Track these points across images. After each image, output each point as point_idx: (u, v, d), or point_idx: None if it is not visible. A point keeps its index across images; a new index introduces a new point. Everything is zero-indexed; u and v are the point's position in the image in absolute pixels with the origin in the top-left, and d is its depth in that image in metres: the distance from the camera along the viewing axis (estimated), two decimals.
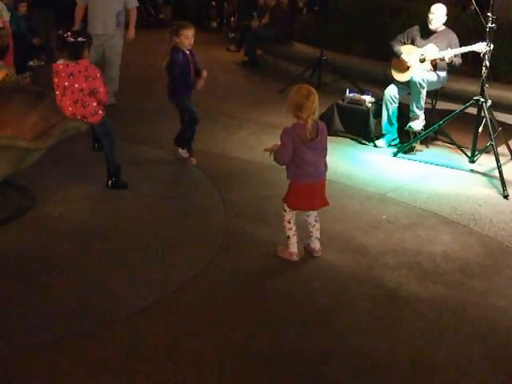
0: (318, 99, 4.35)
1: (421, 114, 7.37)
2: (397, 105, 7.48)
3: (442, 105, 8.08)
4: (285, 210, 4.64)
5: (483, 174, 6.76)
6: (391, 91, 7.46)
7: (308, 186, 4.55)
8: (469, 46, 6.84)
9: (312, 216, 4.70)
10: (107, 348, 3.51)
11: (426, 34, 7.36)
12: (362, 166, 6.83)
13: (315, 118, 4.40)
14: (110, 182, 5.69)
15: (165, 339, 3.64)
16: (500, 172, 6.30)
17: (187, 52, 6.27)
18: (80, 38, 5.40)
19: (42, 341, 3.55)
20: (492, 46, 6.55)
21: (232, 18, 17.81)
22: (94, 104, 5.42)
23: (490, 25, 6.47)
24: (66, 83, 5.31)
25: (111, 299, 4.01)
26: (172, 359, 3.46)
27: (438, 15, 7.22)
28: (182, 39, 6.16)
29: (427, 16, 7.29)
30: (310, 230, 4.73)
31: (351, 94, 7.96)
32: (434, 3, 7.30)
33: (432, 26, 7.27)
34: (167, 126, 7.73)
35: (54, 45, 9.01)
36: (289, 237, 4.66)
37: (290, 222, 4.65)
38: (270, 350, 3.59)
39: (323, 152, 4.55)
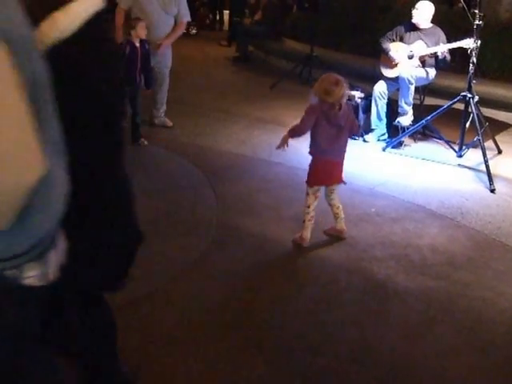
0: (345, 90, 4.60)
1: (409, 110, 7.45)
2: (386, 100, 7.55)
3: (429, 100, 8.15)
4: (307, 194, 4.80)
5: (470, 168, 6.83)
6: (380, 87, 7.53)
7: (326, 162, 4.75)
8: (457, 42, 6.92)
9: (335, 199, 4.88)
10: None
11: (414, 30, 7.43)
12: (351, 161, 6.81)
13: (341, 101, 4.59)
14: None
15: (157, 330, 3.68)
16: (487, 166, 6.37)
17: (137, 45, 6.71)
18: None
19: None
20: (479, 43, 6.63)
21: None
22: None
23: (477, 22, 6.54)
24: None
25: None
26: (165, 350, 3.51)
27: (421, 11, 7.29)
28: (138, 31, 6.67)
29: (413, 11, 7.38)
30: (336, 212, 4.92)
31: None
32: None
33: (414, 20, 7.34)
34: None
35: None
36: (304, 221, 4.80)
37: (309, 207, 4.80)
38: (262, 340, 3.64)
39: (345, 130, 4.70)
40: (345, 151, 4.83)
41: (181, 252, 4.65)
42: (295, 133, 4.72)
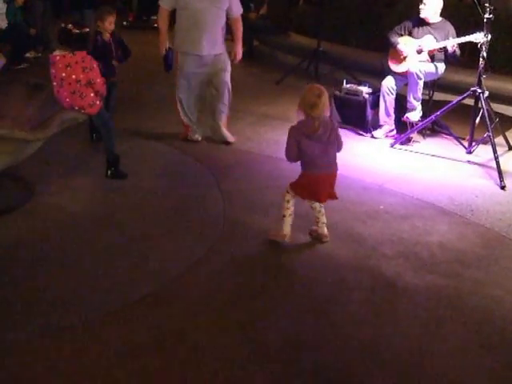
0: (327, 98, 4.54)
1: (418, 105, 7.38)
2: (394, 96, 7.48)
3: (439, 96, 8.08)
4: (287, 192, 4.73)
5: (480, 164, 6.76)
6: (388, 82, 7.46)
7: (314, 176, 4.65)
8: (466, 36, 6.84)
9: (317, 203, 4.78)
10: (104, 338, 3.54)
11: (423, 25, 7.35)
12: (360, 157, 6.84)
13: (323, 115, 4.51)
14: (109, 171, 5.70)
15: (163, 329, 3.66)
16: (497, 163, 6.31)
17: (108, 36, 6.53)
18: (85, 29, 5.41)
19: (36, 331, 3.58)
20: (489, 37, 6.55)
21: None
22: (92, 95, 5.42)
23: (487, 15, 6.46)
24: (63, 74, 5.30)
25: (109, 289, 4.04)
26: (171, 349, 3.48)
27: (429, 6, 7.22)
28: (106, 24, 6.44)
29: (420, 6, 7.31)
30: (316, 216, 4.82)
31: (348, 85, 7.96)
32: None
33: (422, 15, 7.27)
34: (164, 117, 7.77)
35: (51, 36, 9.01)
36: (284, 216, 4.73)
37: (288, 202, 4.73)
38: (268, 339, 3.61)
39: (329, 145, 4.60)
40: (336, 165, 4.72)
41: (187, 250, 4.62)
42: (288, 159, 4.68)
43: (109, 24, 6.40)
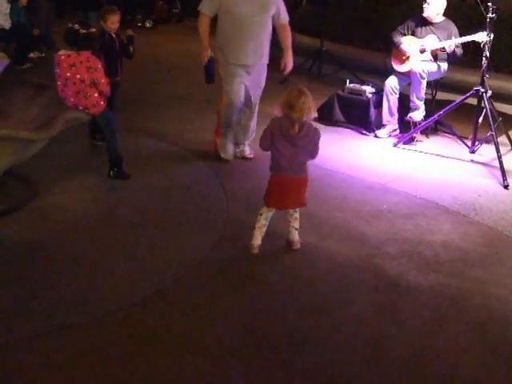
0: (311, 101, 4.37)
1: (421, 105, 7.37)
2: (397, 95, 7.48)
3: (442, 95, 8.08)
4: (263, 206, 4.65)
5: (483, 164, 6.77)
6: (392, 82, 7.46)
7: (280, 179, 4.55)
8: (469, 36, 6.85)
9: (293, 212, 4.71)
10: (109, 337, 3.55)
11: (426, 24, 7.35)
12: (363, 157, 6.84)
13: (304, 119, 4.40)
14: (111, 172, 5.71)
15: (168, 327, 3.67)
16: (500, 162, 6.31)
17: (114, 36, 6.41)
18: (92, 29, 5.43)
19: (41, 329, 3.59)
20: (492, 36, 6.55)
21: None
22: (96, 95, 5.42)
23: (490, 15, 6.46)
24: (68, 74, 5.32)
25: (114, 288, 4.05)
26: (174, 347, 3.49)
27: (432, 5, 7.22)
28: (109, 24, 6.31)
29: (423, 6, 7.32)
30: (288, 220, 4.71)
31: (351, 85, 7.96)
32: None
33: (425, 14, 7.27)
34: (170, 116, 7.78)
35: (54, 36, 9.00)
36: (255, 228, 4.65)
37: (261, 215, 4.64)
38: (271, 338, 3.63)
39: (303, 150, 4.49)
40: (305, 169, 4.59)
41: (191, 249, 4.63)
42: (260, 147, 4.65)
43: (111, 23, 6.30)
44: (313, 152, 4.56)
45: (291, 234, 4.73)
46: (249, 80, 6.19)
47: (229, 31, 6.00)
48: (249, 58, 6.09)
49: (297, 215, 4.69)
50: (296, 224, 4.70)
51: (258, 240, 4.66)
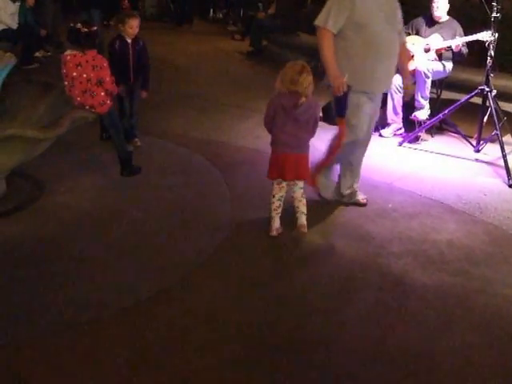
0: (311, 76, 4.49)
1: (426, 104, 7.39)
2: (402, 94, 7.49)
3: (447, 94, 8.07)
4: (272, 184, 4.78)
5: (488, 163, 6.78)
6: (396, 81, 7.46)
7: (281, 155, 4.66)
8: (474, 35, 6.86)
9: (297, 193, 4.79)
10: (114, 335, 3.56)
11: (431, 24, 7.37)
12: (368, 156, 6.80)
13: (308, 94, 4.50)
14: (124, 172, 5.74)
15: (172, 327, 3.68)
16: (505, 161, 6.32)
17: (129, 41, 6.27)
18: (93, 28, 5.45)
19: (49, 328, 3.61)
20: (497, 36, 6.56)
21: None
22: (102, 94, 5.46)
23: (494, 14, 6.47)
24: (74, 73, 5.35)
25: (119, 286, 4.07)
26: (180, 347, 3.50)
27: (439, 5, 7.24)
28: (127, 28, 6.18)
29: (431, 5, 7.32)
30: (296, 205, 4.82)
31: None
32: None
33: (437, 14, 7.28)
34: (174, 115, 7.80)
35: (62, 36, 9.03)
36: (270, 211, 4.79)
37: (273, 197, 4.79)
38: (276, 336, 3.63)
39: (304, 125, 4.60)
40: (306, 146, 4.71)
41: (196, 247, 4.64)
42: (266, 128, 4.75)
43: (129, 28, 6.16)
44: (314, 126, 4.66)
45: (299, 219, 4.81)
46: (371, 108, 5.25)
47: (358, 51, 4.95)
48: (382, 85, 5.27)
49: (304, 200, 4.78)
50: (303, 208, 4.79)
51: (276, 222, 4.78)
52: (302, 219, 4.82)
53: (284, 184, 4.78)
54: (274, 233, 4.78)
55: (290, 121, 4.53)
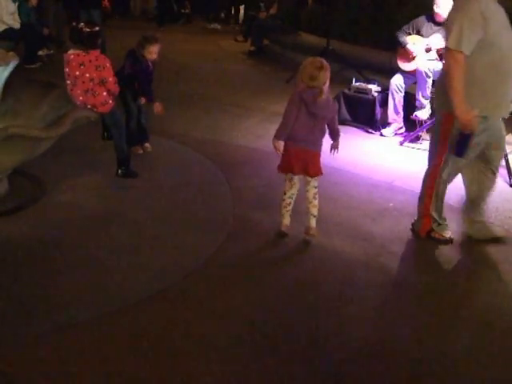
0: (329, 73, 4.56)
1: (427, 103, 7.39)
2: (403, 94, 7.51)
3: None
4: (284, 180, 4.80)
5: None
6: (397, 80, 7.49)
7: (295, 150, 4.65)
8: None
9: (310, 192, 4.77)
10: (115, 335, 3.57)
11: (432, 23, 7.38)
12: (369, 155, 6.86)
13: (325, 90, 4.55)
14: (119, 171, 5.74)
15: (174, 326, 3.68)
16: (506, 161, 6.30)
17: (150, 65, 6.18)
18: (95, 28, 5.46)
19: (50, 327, 3.61)
20: None
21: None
22: (104, 94, 5.47)
23: None
24: (77, 73, 5.37)
25: (121, 286, 4.07)
26: (181, 346, 3.51)
27: (443, 4, 7.24)
28: (145, 53, 6.04)
29: (433, 5, 7.33)
30: (307, 206, 4.79)
31: (357, 83, 7.99)
32: None
33: (439, 14, 7.29)
34: (175, 115, 7.80)
35: (65, 36, 9.05)
36: (280, 208, 4.82)
37: (284, 194, 4.81)
38: (276, 336, 3.64)
39: (321, 121, 4.63)
40: (320, 143, 4.73)
41: (197, 247, 4.65)
42: (282, 131, 4.65)
43: (148, 53, 6.03)
44: (333, 123, 4.72)
45: (309, 222, 4.80)
46: (488, 136, 4.66)
47: (485, 74, 4.41)
48: (508, 109, 4.70)
49: (315, 202, 4.77)
50: (314, 211, 4.78)
51: (286, 219, 4.81)
52: (312, 222, 4.79)
53: (295, 181, 4.78)
54: (284, 229, 4.81)
55: (309, 116, 4.57)
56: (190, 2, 17.81)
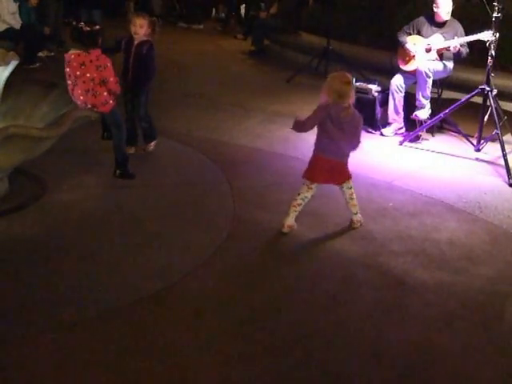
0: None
1: (427, 103, 7.40)
2: (403, 94, 7.52)
3: (447, 94, 8.10)
4: (303, 183, 4.86)
5: (489, 162, 6.79)
6: (397, 80, 7.49)
7: (325, 161, 4.78)
8: (474, 35, 6.88)
9: (346, 194, 4.95)
10: (116, 333, 3.57)
11: (432, 24, 7.38)
12: (369, 155, 6.86)
13: (351, 103, 4.69)
14: (117, 171, 5.74)
15: (174, 325, 3.69)
16: (505, 160, 6.33)
17: (135, 41, 6.14)
18: (96, 27, 5.46)
19: (51, 326, 3.61)
20: (498, 36, 6.57)
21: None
22: (105, 93, 5.47)
23: (495, 14, 6.49)
24: (78, 73, 5.36)
25: (122, 285, 4.08)
26: (181, 345, 3.51)
27: (442, 6, 7.26)
28: (130, 26, 6.08)
29: (433, 5, 7.34)
30: (347, 206, 5.00)
31: (357, 83, 7.96)
32: None
33: (439, 14, 7.30)
34: (176, 115, 7.82)
35: (65, 36, 9.07)
36: (289, 206, 4.86)
37: (299, 194, 4.86)
38: (275, 335, 3.64)
39: (348, 134, 4.74)
40: (347, 154, 4.86)
41: (197, 246, 4.65)
42: (299, 128, 4.83)
43: (133, 26, 6.03)
44: (355, 137, 4.81)
45: (352, 216, 5.03)
46: None
47: None
48: None
49: (353, 202, 4.97)
50: (354, 209, 5.01)
51: (290, 219, 4.87)
52: (353, 217, 5.01)
53: (313, 187, 4.85)
54: (286, 229, 4.85)
55: (336, 129, 4.67)
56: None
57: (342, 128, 4.67)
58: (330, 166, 4.80)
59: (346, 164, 4.89)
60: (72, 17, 10.40)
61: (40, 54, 10.66)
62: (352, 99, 4.69)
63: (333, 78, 4.70)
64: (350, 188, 4.93)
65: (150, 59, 6.24)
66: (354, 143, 4.83)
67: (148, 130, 6.49)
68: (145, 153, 6.39)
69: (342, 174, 4.87)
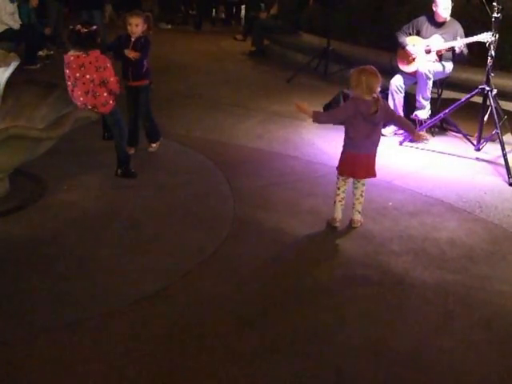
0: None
1: (427, 104, 7.41)
2: (403, 94, 7.52)
3: (447, 94, 8.10)
4: (337, 177, 4.97)
5: (489, 161, 6.78)
6: (397, 81, 7.50)
7: (354, 155, 4.86)
8: (474, 37, 6.88)
9: (358, 189, 4.99)
10: (115, 335, 3.57)
11: (432, 24, 7.39)
12: None
13: (379, 95, 4.75)
14: (119, 171, 5.75)
15: (173, 325, 3.70)
16: (505, 160, 6.33)
17: (132, 39, 6.12)
18: (93, 27, 5.46)
19: (51, 326, 3.62)
20: (497, 36, 6.58)
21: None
22: (105, 94, 5.48)
23: (495, 15, 6.49)
24: (78, 74, 5.37)
25: (120, 285, 4.09)
26: (180, 345, 3.52)
27: (443, 4, 7.26)
28: (127, 26, 6.07)
29: (432, 6, 7.34)
30: (353, 202, 5.02)
31: None
32: None
33: (439, 14, 7.30)
34: (176, 115, 7.83)
35: (64, 36, 9.09)
36: (334, 202, 4.97)
37: (338, 189, 4.96)
38: (275, 333, 3.65)
39: (379, 125, 4.86)
40: (377, 146, 4.94)
41: (196, 246, 4.65)
42: (323, 118, 4.98)
43: (129, 26, 6.02)
44: (400, 119, 5.12)
45: (354, 215, 5.05)
46: None
47: None
48: None
49: (362, 200, 5.01)
50: (359, 207, 5.04)
51: (339, 213, 4.98)
52: (356, 216, 5.04)
53: (348, 179, 4.98)
54: (338, 224, 4.97)
55: (366, 123, 4.73)
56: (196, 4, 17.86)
57: (373, 122, 4.73)
58: (361, 161, 4.87)
59: (375, 155, 4.95)
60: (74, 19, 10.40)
61: (40, 53, 10.67)
62: (378, 91, 4.74)
63: (360, 71, 4.71)
64: (364, 185, 5.00)
65: (145, 51, 6.21)
66: (403, 120, 5.05)
67: (150, 128, 6.49)
68: (145, 153, 6.39)
69: (370, 167, 4.93)
